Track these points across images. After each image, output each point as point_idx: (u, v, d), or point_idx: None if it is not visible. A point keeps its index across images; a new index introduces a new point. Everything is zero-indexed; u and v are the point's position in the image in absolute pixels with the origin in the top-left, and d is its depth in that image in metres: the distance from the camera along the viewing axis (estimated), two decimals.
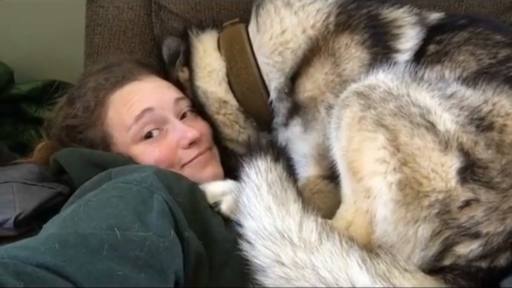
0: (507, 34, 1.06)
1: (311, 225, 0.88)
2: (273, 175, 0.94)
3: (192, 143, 1.15)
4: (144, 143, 1.16)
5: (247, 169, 0.96)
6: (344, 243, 0.86)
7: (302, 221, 0.89)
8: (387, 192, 0.88)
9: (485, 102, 0.93)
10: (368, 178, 0.90)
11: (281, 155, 0.98)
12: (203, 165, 1.16)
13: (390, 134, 0.90)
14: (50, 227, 0.80)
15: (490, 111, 0.92)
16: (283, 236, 0.87)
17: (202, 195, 1.04)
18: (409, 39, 1.09)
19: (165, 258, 0.76)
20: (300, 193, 0.95)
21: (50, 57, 1.79)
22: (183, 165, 1.16)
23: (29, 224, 1.09)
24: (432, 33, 1.09)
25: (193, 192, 1.00)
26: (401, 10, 1.13)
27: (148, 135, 1.16)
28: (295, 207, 0.91)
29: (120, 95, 1.19)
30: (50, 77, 1.75)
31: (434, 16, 1.14)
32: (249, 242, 0.88)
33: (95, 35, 1.59)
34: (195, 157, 1.16)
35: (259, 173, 0.95)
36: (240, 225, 0.91)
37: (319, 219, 0.90)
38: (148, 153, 1.14)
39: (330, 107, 1.07)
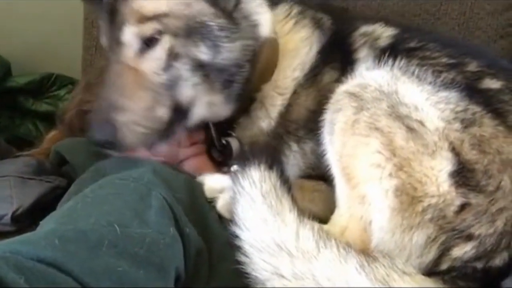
0: (454, 53, 1.07)
1: (308, 233, 0.87)
2: (267, 185, 0.91)
3: (192, 143, 1.15)
4: None
5: (241, 179, 0.93)
6: (341, 249, 0.85)
7: (298, 230, 0.87)
8: (383, 199, 0.87)
9: (466, 95, 0.94)
10: (363, 184, 0.89)
11: (275, 163, 0.94)
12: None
13: (385, 137, 0.89)
14: (48, 223, 0.79)
15: (470, 99, 0.93)
16: (281, 247, 0.85)
17: (199, 189, 1.03)
18: (363, 60, 1.10)
19: (165, 255, 0.76)
20: (295, 200, 0.92)
21: (48, 50, 1.78)
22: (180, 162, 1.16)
23: (27, 219, 1.08)
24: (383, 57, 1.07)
25: (191, 186, 1.00)
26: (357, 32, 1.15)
27: None
28: (290, 216, 0.89)
29: None
30: (47, 70, 1.75)
31: (386, 35, 1.14)
32: (246, 256, 0.86)
33: (93, 28, 1.58)
34: (191, 156, 1.16)
35: (253, 184, 0.91)
36: (236, 236, 0.89)
37: (315, 227, 0.88)
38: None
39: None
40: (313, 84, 1.12)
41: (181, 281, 0.79)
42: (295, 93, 1.12)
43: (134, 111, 0.96)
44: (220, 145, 1.14)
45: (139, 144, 0.98)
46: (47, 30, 1.75)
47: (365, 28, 1.15)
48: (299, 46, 1.15)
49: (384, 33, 1.15)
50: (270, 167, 0.93)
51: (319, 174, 1.04)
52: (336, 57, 1.13)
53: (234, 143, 1.14)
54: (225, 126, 1.14)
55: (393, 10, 1.42)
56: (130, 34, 0.99)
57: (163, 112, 1.00)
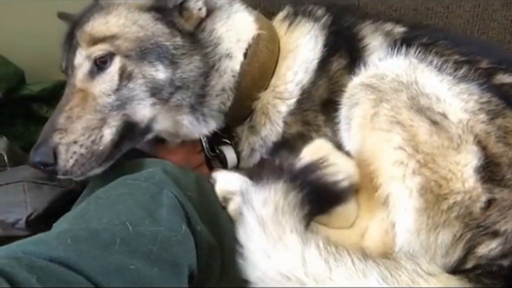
0: (465, 51, 1.05)
1: (314, 253, 0.80)
2: (268, 209, 0.83)
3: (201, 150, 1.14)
4: (156, 148, 1.15)
5: (242, 208, 0.86)
6: (357, 261, 0.79)
7: (304, 253, 0.80)
8: (407, 199, 0.83)
9: (486, 87, 0.91)
10: (386, 183, 0.85)
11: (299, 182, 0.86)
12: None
13: (406, 132, 0.85)
14: (61, 224, 0.80)
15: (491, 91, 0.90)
16: (288, 278, 0.78)
17: (210, 187, 1.01)
18: (373, 50, 1.08)
19: (177, 252, 0.75)
20: (302, 219, 0.85)
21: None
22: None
23: (41, 223, 1.08)
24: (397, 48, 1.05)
25: (201, 184, 0.98)
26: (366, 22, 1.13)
27: (162, 140, 1.15)
28: (293, 237, 0.81)
29: None
30: (60, 78, 1.74)
31: (396, 31, 1.12)
32: None
33: None
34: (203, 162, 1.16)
35: (252, 211, 0.85)
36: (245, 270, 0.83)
37: (321, 243, 0.82)
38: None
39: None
40: (323, 77, 1.09)
41: (194, 280, 0.78)
42: (301, 93, 1.09)
43: (74, 132, 0.95)
44: (211, 155, 1.12)
45: (76, 167, 0.95)
46: (60, 38, 1.76)
47: (374, 21, 1.14)
48: (301, 43, 1.12)
49: (395, 29, 1.13)
50: (292, 179, 0.86)
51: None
52: (342, 45, 1.11)
53: (228, 152, 1.11)
54: (221, 135, 1.12)
55: (406, 4, 1.39)
56: (80, 57, 1.00)
57: (108, 133, 0.98)
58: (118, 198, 0.82)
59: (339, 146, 0.99)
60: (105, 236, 0.70)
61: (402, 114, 0.86)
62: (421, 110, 0.86)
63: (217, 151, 1.11)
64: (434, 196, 0.83)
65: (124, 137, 1.01)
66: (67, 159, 0.94)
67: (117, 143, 0.99)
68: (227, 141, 1.12)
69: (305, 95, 1.09)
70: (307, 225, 0.85)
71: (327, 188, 0.88)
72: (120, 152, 1.01)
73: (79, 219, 0.78)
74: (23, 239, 0.88)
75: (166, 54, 1.00)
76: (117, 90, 0.99)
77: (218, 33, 1.08)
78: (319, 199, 0.87)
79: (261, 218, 0.83)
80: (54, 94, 1.72)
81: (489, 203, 0.83)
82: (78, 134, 0.95)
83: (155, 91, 1.00)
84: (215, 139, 1.12)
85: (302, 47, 1.11)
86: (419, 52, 0.95)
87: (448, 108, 0.86)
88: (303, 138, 1.07)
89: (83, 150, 0.94)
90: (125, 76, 0.98)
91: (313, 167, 0.88)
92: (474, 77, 0.94)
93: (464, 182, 0.83)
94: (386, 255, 0.84)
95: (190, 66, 1.03)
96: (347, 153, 0.96)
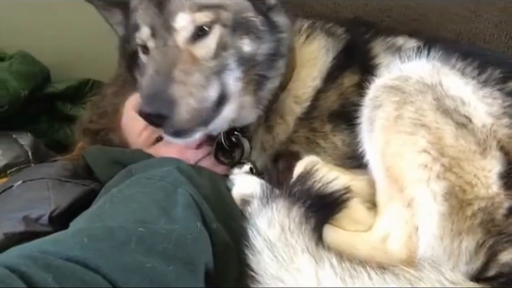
0: (477, 63, 1.01)
1: (328, 271, 0.78)
2: (274, 230, 0.82)
3: (199, 146, 1.17)
4: (155, 146, 1.20)
5: (249, 232, 0.85)
6: (374, 275, 0.77)
7: (317, 273, 0.78)
8: (432, 203, 0.82)
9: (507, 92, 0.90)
10: (411, 186, 0.83)
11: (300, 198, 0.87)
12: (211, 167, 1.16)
13: (432, 135, 0.83)
14: (77, 223, 0.80)
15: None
16: None
17: (224, 186, 1.02)
18: (386, 66, 1.08)
19: (193, 250, 0.75)
20: (311, 235, 0.84)
21: (85, 56, 1.82)
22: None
23: (63, 220, 1.09)
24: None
25: (215, 183, 0.99)
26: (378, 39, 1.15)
27: (159, 139, 1.19)
28: (305, 258, 0.79)
29: (132, 101, 1.23)
30: (84, 76, 1.79)
31: (408, 46, 1.12)
32: None
33: None
34: (201, 158, 1.18)
35: (258, 234, 0.83)
36: None
37: (334, 260, 0.79)
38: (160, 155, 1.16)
39: None
40: (332, 88, 1.12)
41: (210, 276, 0.78)
42: (314, 99, 1.12)
43: (192, 84, 0.98)
44: (228, 145, 1.14)
45: (190, 121, 0.98)
46: (85, 37, 1.78)
47: (386, 37, 1.15)
48: (317, 55, 1.16)
49: (407, 44, 1.13)
50: (290, 194, 0.86)
51: (357, 165, 1.00)
52: (355, 62, 1.13)
53: (245, 142, 1.15)
54: (235, 129, 1.15)
55: (433, 9, 1.37)
56: (184, 21, 1.03)
57: (212, 94, 1.02)
58: (133, 197, 0.82)
59: (350, 157, 1.00)
60: (121, 235, 0.70)
61: (428, 117, 0.85)
62: (447, 112, 0.85)
63: (234, 139, 1.14)
64: (458, 202, 0.81)
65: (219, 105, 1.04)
66: (183, 112, 0.96)
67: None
68: (239, 135, 1.15)
69: (316, 102, 1.12)
70: (318, 241, 0.84)
71: (324, 193, 0.89)
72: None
73: (95, 218, 0.78)
74: (44, 236, 0.89)
75: (253, 29, 1.07)
76: (215, 57, 1.03)
77: (285, 23, 1.13)
78: (321, 207, 0.87)
79: (268, 241, 0.82)
80: (79, 92, 1.77)
81: (511, 210, 0.81)
82: (194, 86, 0.98)
83: (242, 62, 1.05)
84: (228, 133, 1.15)
85: (320, 58, 1.16)
86: (441, 53, 0.94)
87: (473, 111, 0.85)
88: (310, 144, 1.10)
89: (196, 105, 0.98)
90: (221, 45, 1.03)
91: (305, 176, 0.90)
92: (494, 83, 0.92)
93: (488, 188, 0.81)
94: (409, 260, 0.83)
95: (271, 43, 1.09)
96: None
